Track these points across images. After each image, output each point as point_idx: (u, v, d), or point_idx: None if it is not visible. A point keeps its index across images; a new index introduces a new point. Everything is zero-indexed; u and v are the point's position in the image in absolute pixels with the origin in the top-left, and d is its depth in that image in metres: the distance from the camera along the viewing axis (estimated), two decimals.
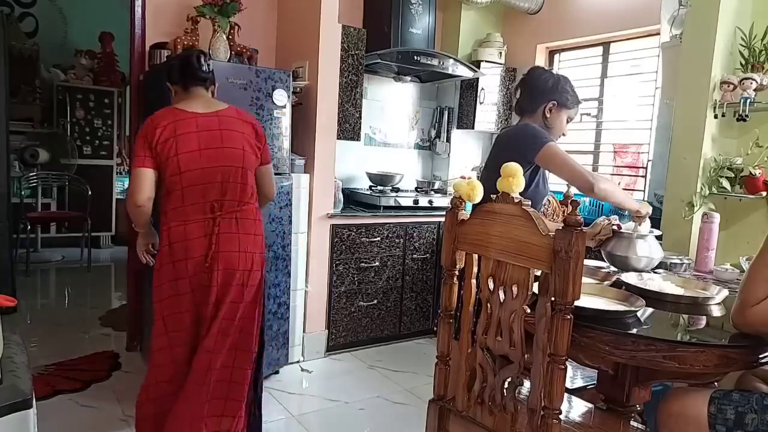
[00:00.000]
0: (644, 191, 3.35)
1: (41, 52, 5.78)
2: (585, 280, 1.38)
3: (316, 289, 3.15)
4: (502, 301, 1.40)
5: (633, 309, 1.48)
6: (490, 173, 1.88)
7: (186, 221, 1.88)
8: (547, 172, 2.13)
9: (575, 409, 1.69)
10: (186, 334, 1.92)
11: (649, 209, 2.04)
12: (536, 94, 2.12)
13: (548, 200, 2.20)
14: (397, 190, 3.74)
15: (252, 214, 1.98)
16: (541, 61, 4.01)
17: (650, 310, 1.56)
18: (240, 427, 2.00)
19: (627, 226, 2.00)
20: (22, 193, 5.18)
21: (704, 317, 1.58)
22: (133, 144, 3.12)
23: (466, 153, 4.22)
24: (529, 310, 1.36)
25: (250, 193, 1.97)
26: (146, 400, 1.96)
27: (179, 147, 1.87)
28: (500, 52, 4.00)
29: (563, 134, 2.20)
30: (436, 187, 3.97)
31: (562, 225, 1.23)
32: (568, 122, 2.18)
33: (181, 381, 1.91)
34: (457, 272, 1.55)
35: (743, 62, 2.60)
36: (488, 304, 1.44)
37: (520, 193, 1.38)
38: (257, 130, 2.02)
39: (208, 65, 2.01)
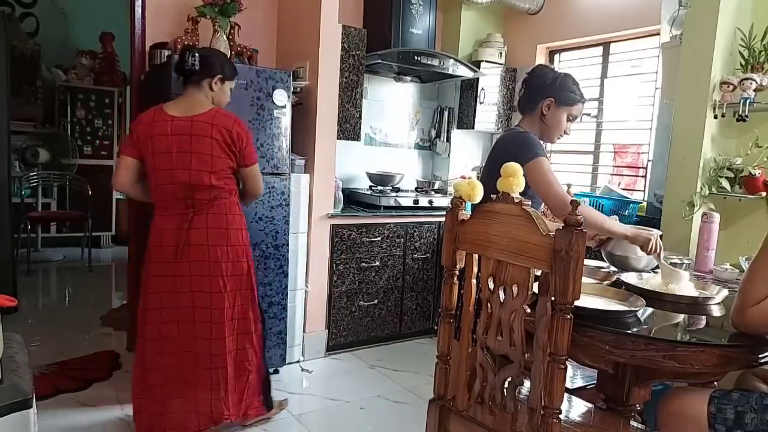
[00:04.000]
0: (644, 191, 3.35)
1: (42, 52, 5.78)
2: (585, 280, 1.39)
3: (316, 289, 3.16)
4: (502, 300, 1.41)
5: (633, 309, 1.49)
6: (489, 174, 1.87)
7: (164, 214, 2.13)
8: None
9: (575, 408, 1.69)
10: (161, 313, 2.15)
11: (653, 235, 1.91)
12: (535, 91, 2.07)
13: None
14: (398, 190, 3.74)
15: (224, 209, 2.14)
16: (541, 61, 4.01)
17: (650, 310, 1.56)
18: (234, 410, 2.22)
19: (662, 276, 1.80)
20: (23, 192, 5.19)
21: (704, 317, 1.59)
22: None
23: (466, 153, 4.23)
24: (529, 310, 1.37)
25: (221, 192, 2.13)
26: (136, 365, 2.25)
27: (154, 146, 2.09)
28: (500, 53, 4.00)
29: (565, 133, 2.11)
30: (436, 187, 3.97)
31: (562, 225, 1.23)
32: (570, 121, 2.10)
33: (162, 357, 2.16)
34: (457, 272, 1.55)
35: (743, 62, 2.60)
36: (488, 304, 1.45)
37: (522, 195, 1.39)
38: (233, 135, 2.10)
39: (194, 60, 2.11)
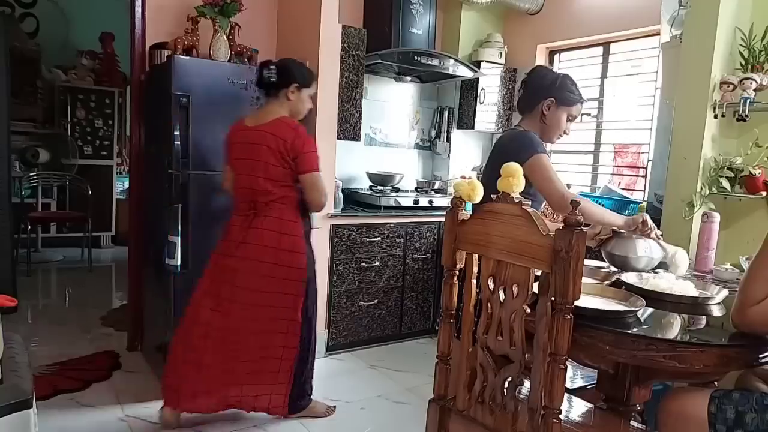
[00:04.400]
0: (644, 191, 3.35)
1: (42, 53, 5.78)
2: (585, 280, 1.38)
3: None
4: (502, 300, 1.41)
5: (633, 309, 1.49)
6: (491, 174, 1.87)
7: (235, 213, 2.35)
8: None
9: (575, 408, 1.69)
10: (204, 297, 2.31)
11: (644, 215, 1.97)
12: (535, 91, 2.08)
13: None
14: (398, 190, 3.74)
15: (278, 214, 2.26)
16: (541, 61, 4.01)
17: (650, 310, 1.56)
18: (248, 401, 2.34)
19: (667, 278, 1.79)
20: (23, 193, 5.19)
21: (704, 317, 1.59)
22: (133, 144, 3.15)
23: (466, 153, 4.23)
24: (529, 310, 1.37)
25: (277, 198, 2.26)
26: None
27: (232, 154, 2.35)
28: (500, 53, 4.00)
29: (565, 133, 2.14)
30: (436, 187, 3.97)
31: (562, 225, 1.23)
32: (570, 121, 2.12)
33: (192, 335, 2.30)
34: (457, 272, 1.55)
35: (743, 62, 2.60)
36: (489, 304, 1.45)
37: (522, 194, 1.39)
38: (287, 145, 2.21)
39: (270, 72, 2.28)
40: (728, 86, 2.54)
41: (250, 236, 2.26)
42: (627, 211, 3.14)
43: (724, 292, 1.66)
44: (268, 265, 2.25)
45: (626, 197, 3.32)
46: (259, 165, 2.23)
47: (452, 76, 3.82)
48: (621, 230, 1.97)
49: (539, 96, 2.07)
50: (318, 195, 2.28)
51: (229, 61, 2.83)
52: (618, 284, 1.75)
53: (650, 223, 1.96)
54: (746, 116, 2.50)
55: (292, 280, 2.29)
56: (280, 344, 2.32)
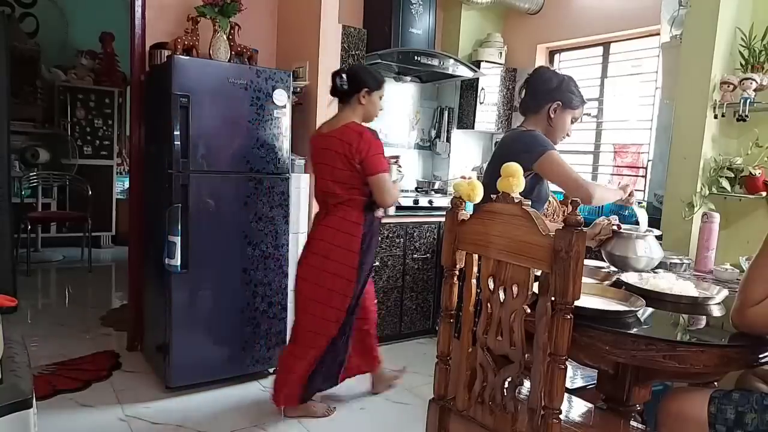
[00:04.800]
0: (644, 191, 3.35)
1: (42, 53, 5.78)
2: (585, 280, 1.38)
3: None
4: (502, 300, 1.41)
5: (633, 309, 1.49)
6: (494, 174, 1.88)
7: (316, 214, 2.59)
8: (543, 184, 2.11)
9: (575, 408, 1.69)
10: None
11: (629, 185, 2.17)
12: (540, 94, 2.10)
13: (548, 200, 2.19)
14: None
15: (341, 214, 2.41)
16: (541, 61, 4.01)
17: (650, 310, 1.56)
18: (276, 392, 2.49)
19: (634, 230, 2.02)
20: (23, 193, 5.19)
21: (704, 317, 1.59)
22: (133, 144, 3.15)
23: (466, 153, 4.22)
24: (529, 310, 1.37)
25: (342, 200, 2.40)
26: None
27: (311, 159, 2.56)
28: (500, 53, 4.00)
29: (568, 135, 2.17)
30: (436, 187, 3.96)
31: (562, 225, 1.23)
32: (572, 123, 2.16)
33: None
34: (457, 272, 1.55)
35: (743, 62, 2.60)
36: (488, 304, 1.45)
37: (522, 195, 1.38)
38: (352, 149, 2.33)
39: (341, 80, 2.41)
40: (728, 86, 2.54)
41: (316, 233, 2.47)
42: (627, 211, 3.14)
43: (724, 292, 1.65)
44: (322, 259, 2.40)
45: None
46: (328, 169, 2.39)
47: (452, 76, 3.82)
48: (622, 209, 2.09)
49: (545, 99, 2.09)
50: (384, 195, 2.38)
51: (229, 60, 2.83)
52: (618, 284, 1.75)
53: (630, 187, 2.14)
54: (746, 116, 2.50)
55: (343, 278, 2.40)
56: (318, 342, 2.42)
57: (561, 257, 1.22)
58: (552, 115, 2.09)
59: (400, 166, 2.89)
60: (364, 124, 2.44)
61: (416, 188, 4.00)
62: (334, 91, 2.46)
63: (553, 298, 1.27)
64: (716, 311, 1.60)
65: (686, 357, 1.32)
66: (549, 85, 2.09)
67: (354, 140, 2.33)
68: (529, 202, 1.36)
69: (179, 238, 2.51)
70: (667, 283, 1.70)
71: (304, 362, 2.42)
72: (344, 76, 2.41)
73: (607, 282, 1.80)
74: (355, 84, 2.41)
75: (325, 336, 2.41)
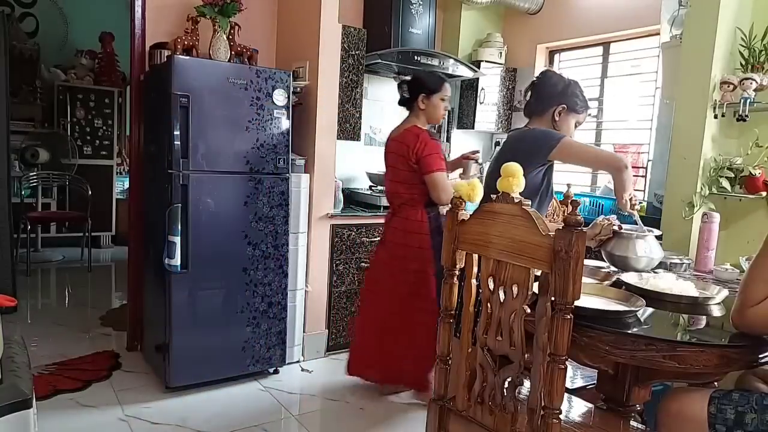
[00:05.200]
0: (644, 191, 3.35)
1: (42, 52, 5.78)
2: (585, 280, 1.38)
3: (316, 289, 3.15)
4: (502, 301, 1.41)
5: (633, 309, 1.49)
6: (494, 175, 1.88)
7: (386, 215, 2.77)
8: (551, 176, 2.13)
9: (575, 408, 1.69)
10: (368, 282, 2.84)
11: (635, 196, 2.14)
12: (546, 97, 2.13)
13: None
14: None
15: (405, 214, 2.59)
16: (540, 61, 4.01)
17: (650, 310, 1.56)
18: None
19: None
20: (23, 193, 5.19)
21: (704, 317, 1.59)
22: (133, 144, 3.15)
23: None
24: (529, 310, 1.37)
25: (406, 200, 2.58)
26: None
27: (385, 162, 2.72)
28: (500, 52, 4.00)
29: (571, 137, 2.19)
30: None
31: (562, 225, 1.23)
32: (576, 127, 2.19)
33: None
34: (457, 272, 1.55)
35: (743, 62, 2.60)
36: (488, 304, 1.45)
37: (522, 195, 1.38)
38: (410, 151, 2.50)
39: (403, 89, 2.64)
40: (728, 86, 2.54)
41: (387, 234, 2.67)
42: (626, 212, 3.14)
43: (724, 292, 1.66)
44: (396, 258, 2.58)
45: None
46: (393, 170, 2.62)
47: (452, 76, 3.81)
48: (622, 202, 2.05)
49: (551, 102, 2.12)
50: (440, 193, 2.51)
51: (229, 60, 2.83)
52: (618, 284, 1.75)
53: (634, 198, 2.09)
54: (746, 116, 2.50)
55: (415, 273, 2.54)
56: (424, 327, 2.53)
57: (561, 257, 1.22)
58: (557, 118, 2.13)
59: (479, 162, 3.02)
60: (427, 126, 2.62)
61: None
62: (401, 101, 2.66)
63: (553, 298, 1.27)
64: (716, 311, 1.60)
65: (686, 357, 1.32)
66: (555, 89, 2.13)
67: (411, 142, 2.50)
68: (529, 202, 1.36)
69: (179, 238, 2.51)
70: (667, 283, 1.70)
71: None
72: (405, 85, 2.62)
73: (607, 282, 1.80)
74: (414, 90, 2.58)
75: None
